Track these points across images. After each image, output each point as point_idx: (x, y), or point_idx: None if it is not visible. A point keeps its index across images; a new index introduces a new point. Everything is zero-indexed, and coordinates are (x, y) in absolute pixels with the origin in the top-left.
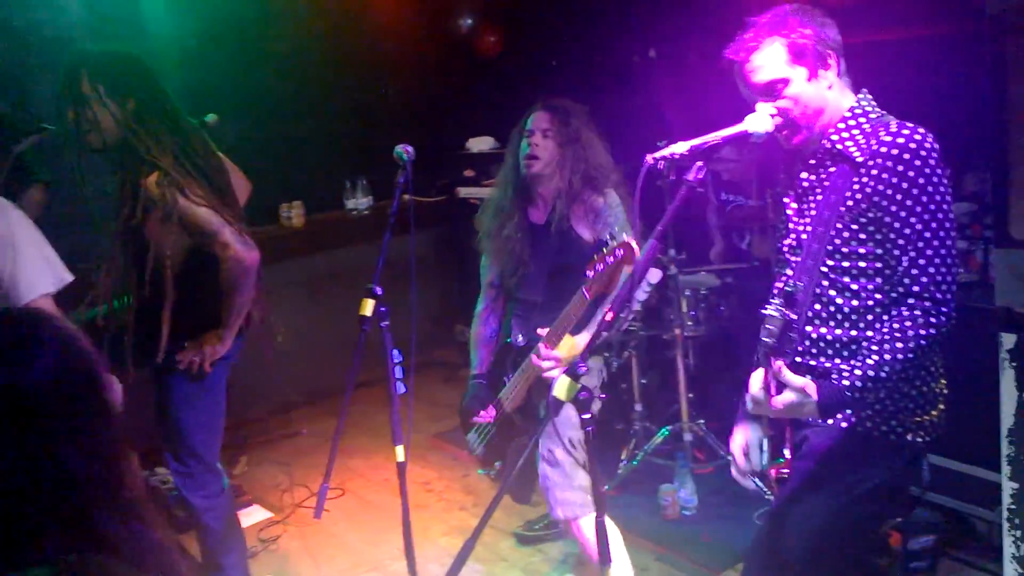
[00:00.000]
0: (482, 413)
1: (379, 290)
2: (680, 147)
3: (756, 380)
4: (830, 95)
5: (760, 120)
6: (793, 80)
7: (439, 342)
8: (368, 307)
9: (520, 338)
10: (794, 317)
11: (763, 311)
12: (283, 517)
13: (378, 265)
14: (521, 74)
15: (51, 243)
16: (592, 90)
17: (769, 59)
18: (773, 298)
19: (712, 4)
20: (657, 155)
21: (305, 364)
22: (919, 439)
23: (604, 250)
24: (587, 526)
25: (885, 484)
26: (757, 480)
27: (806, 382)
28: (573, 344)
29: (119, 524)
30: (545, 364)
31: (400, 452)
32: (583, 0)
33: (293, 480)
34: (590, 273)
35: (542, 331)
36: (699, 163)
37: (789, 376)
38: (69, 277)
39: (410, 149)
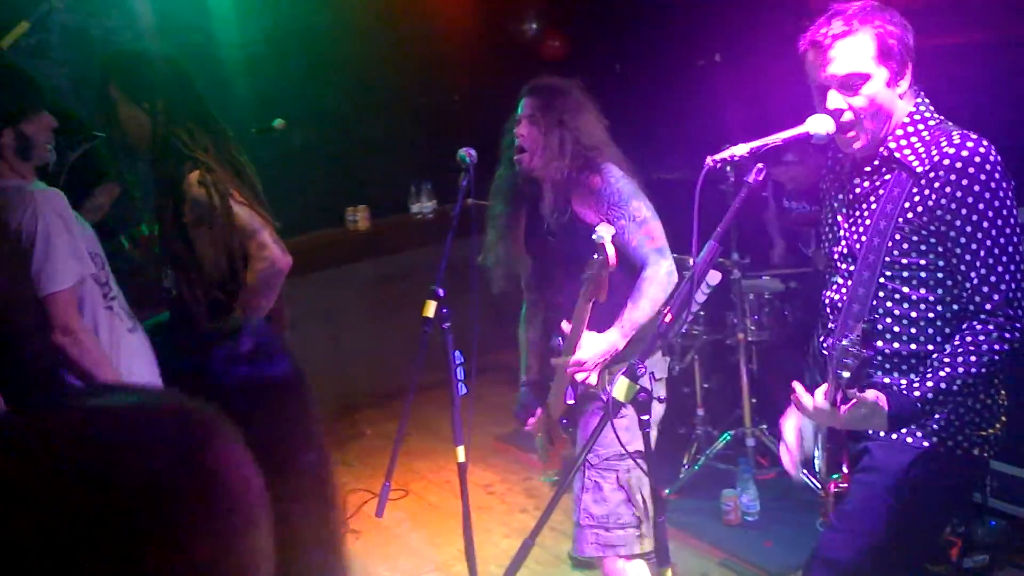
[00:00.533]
0: (530, 421)
1: (441, 292)
2: (740, 149)
3: (820, 392)
4: (899, 104)
5: (822, 122)
6: (874, 78)
7: (502, 344)
8: (430, 309)
9: (559, 341)
10: (871, 354)
11: (839, 340)
12: (346, 517)
13: (440, 267)
14: (585, 79)
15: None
16: (656, 94)
17: (855, 50)
18: (828, 312)
19: (777, 9)
20: (717, 157)
21: (370, 366)
22: (985, 453)
23: (594, 256)
24: (624, 567)
25: (950, 499)
26: (806, 473)
27: (877, 394)
28: (598, 341)
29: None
30: (575, 372)
31: (461, 453)
32: (648, 5)
33: (357, 480)
34: (583, 278)
35: (560, 340)
36: (759, 165)
37: (861, 395)
38: (90, 270)
39: (473, 152)
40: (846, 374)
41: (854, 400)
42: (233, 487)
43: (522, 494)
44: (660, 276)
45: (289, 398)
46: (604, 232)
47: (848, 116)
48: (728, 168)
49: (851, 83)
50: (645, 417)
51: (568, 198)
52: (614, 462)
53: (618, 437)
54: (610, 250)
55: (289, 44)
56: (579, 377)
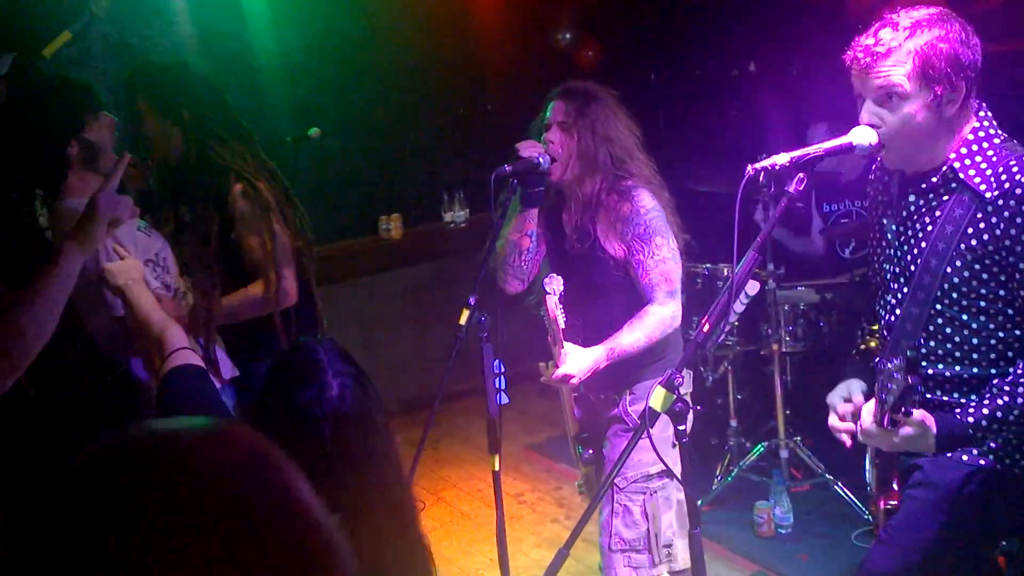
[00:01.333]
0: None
1: (472, 300)
2: (781, 158)
3: (868, 413)
4: (947, 123)
5: (865, 133)
6: (912, 99)
7: (535, 354)
8: (464, 317)
9: (540, 364)
10: (915, 381)
11: (885, 364)
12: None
13: (478, 275)
14: (619, 88)
15: None
16: (692, 103)
17: (897, 69)
18: (885, 334)
19: (811, 17)
20: (758, 165)
21: (402, 374)
22: None
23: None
24: None
25: (1004, 518)
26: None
27: (925, 415)
28: (583, 356)
29: None
30: (560, 383)
31: (495, 462)
32: (682, 14)
33: None
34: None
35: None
36: (800, 175)
37: (912, 416)
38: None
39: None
40: (890, 399)
41: (901, 424)
42: (307, 508)
43: (553, 504)
44: (664, 317)
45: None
46: (550, 284)
47: (882, 132)
48: (767, 177)
49: (887, 101)
50: (682, 428)
51: (594, 220)
52: (642, 484)
53: (656, 450)
54: (549, 303)
55: (325, 53)
56: (564, 386)
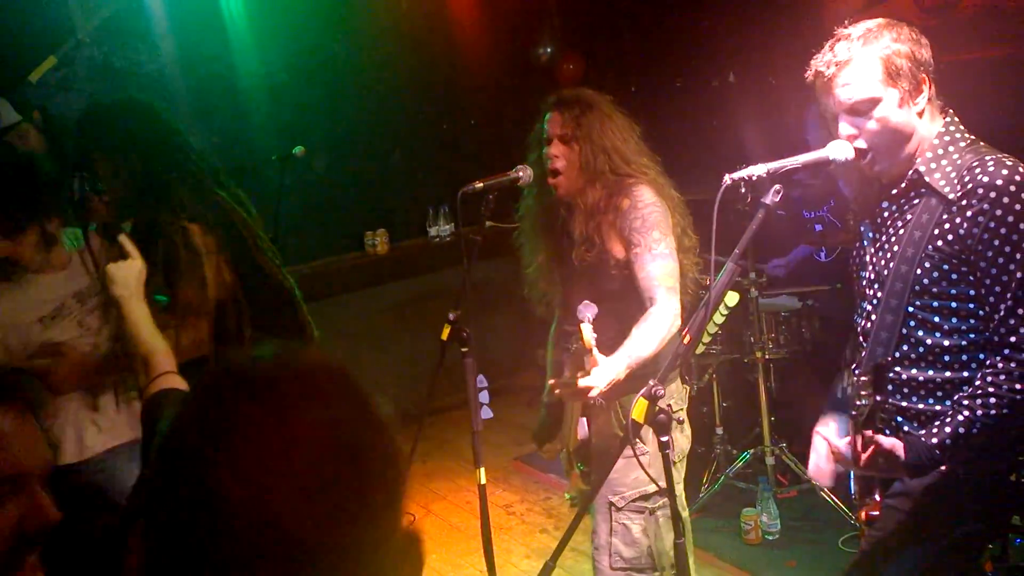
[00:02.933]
0: (547, 446)
1: (452, 316)
2: (758, 169)
3: (843, 439)
4: (919, 123)
5: (842, 147)
6: (884, 100)
7: (522, 366)
8: (446, 332)
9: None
10: (881, 399)
11: (856, 377)
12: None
13: (462, 292)
14: None
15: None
16: (670, 115)
17: (861, 75)
18: (861, 339)
19: (791, 29)
20: (735, 175)
21: (389, 388)
22: (1022, 479)
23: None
24: None
25: (983, 524)
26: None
27: (894, 443)
28: (603, 371)
29: None
30: (585, 396)
31: (481, 475)
32: (661, 26)
33: None
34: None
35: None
36: (777, 186)
37: (879, 439)
38: None
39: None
40: (860, 418)
41: (872, 447)
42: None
43: (542, 514)
44: (666, 317)
45: None
46: (584, 312)
47: (860, 143)
48: (744, 188)
49: (860, 109)
50: (665, 439)
51: (600, 226)
52: (640, 503)
53: (641, 465)
54: (584, 331)
55: (309, 72)
56: (592, 394)
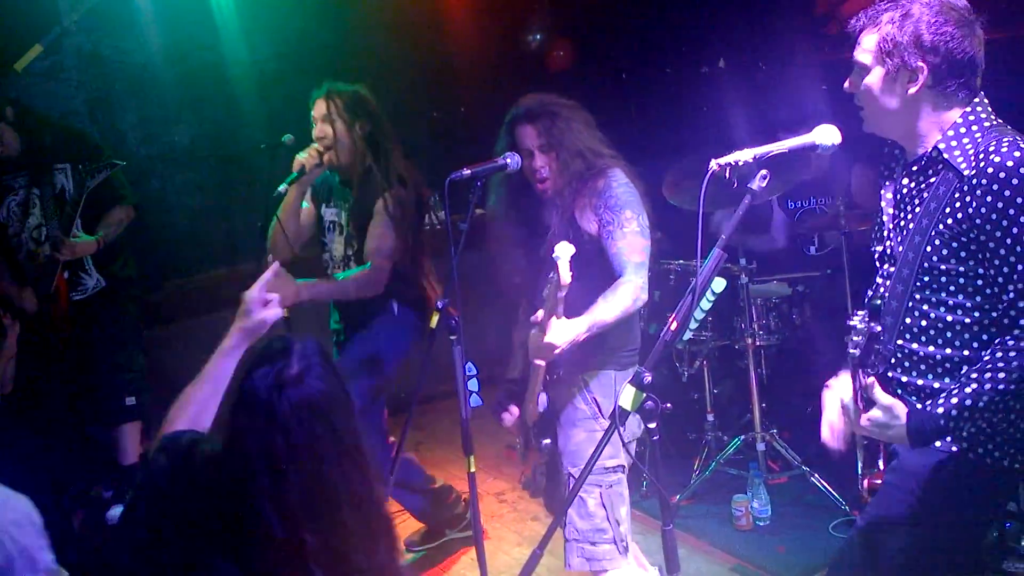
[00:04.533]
0: (504, 417)
1: (440, 304)
2: (744, 154)
3: (847, 388)
4: (913, 105)
5: (828, 133)
6: (871, 73)
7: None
8: (435, 320)
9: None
10: (878, 329)
11: (848, 321)
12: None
13: (450, 280)
14: (592, 87)
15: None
16: (661, 100)
17: (865, 42)
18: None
19: (781, 15)
20: (721, 161)
21: None
22: (1017, 464)
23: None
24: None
25: (977, 508)
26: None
27: (894, 402)
28: (565, 328)
29: None
30: (543, 354)
31: (471, 463)
32: (651, 12)
33: None
34: (542, 295)
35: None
36: (763, 172)
37: (878, 393)
38: None
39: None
40: (855, 351)
41: (873, 402)
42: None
43: (533, 502)
44: (632, 290)
45: (338, 416)
46: (562, 251)
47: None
48: (732, 174)
49: (857, 69)
50: (652, 425)
51: (573, 209)
52: (598, 477)
53: (625, 447)
54: (564, 271)
55: (297, 60)
56: (543, 356)
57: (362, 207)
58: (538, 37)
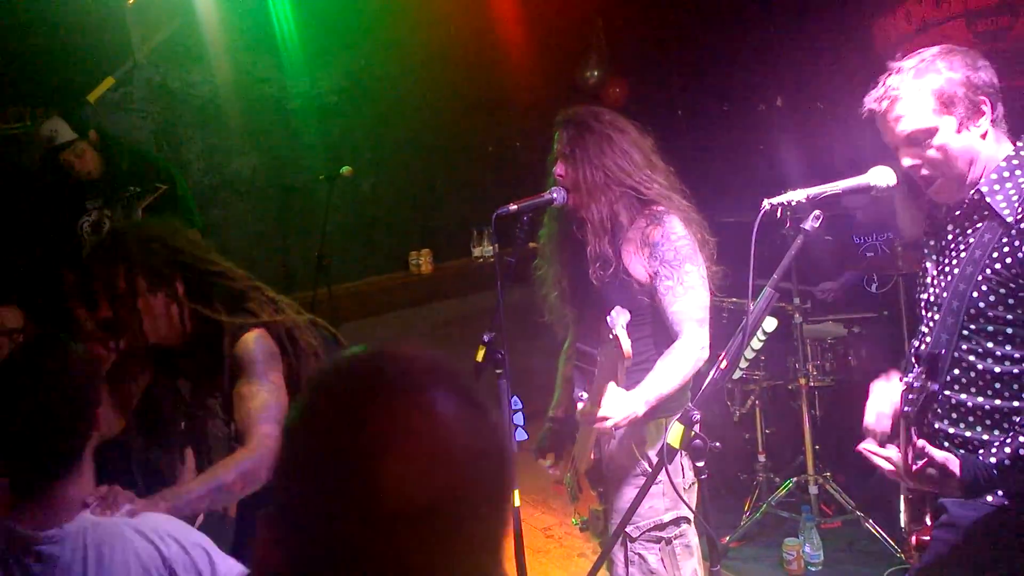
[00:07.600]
0: (548, 461)
1: (486, 337)
2: (798, 195)
3: (893, 448)
4: (982, 145)
5: (884, 174)
6: (941, 130)
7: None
8: (481, 354)
9: (582, 393)
10: (936, 388)
11: (904, 377)
12: None
13: (496, 314)
14: (647, 123)
15: None
16: (717, 138)
17: (914, 107)
18: (913, 361)
19: (840, 53)
20: (775, 200)
21: None
22: None
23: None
24: None
25: None
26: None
27: (947, 457)
28: (622, 403)
29: None
30: (600, 425)
31: (515, 497)
32: (709, 50)
33: None
34: (600, 356)
35: (583, 395)
36: (816, 212)
37: (931, 451)
38: None
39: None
40: (910, 410)
41: (924, 460)
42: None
43: (580, 538)
44: (694, 350)
45: None
46: (618, 319)
47: (925, 172)
48: (781, 213)
49: (918, 139)
50: (700, 464)
51: (617, 244)
52: (655, 532)
53: (677, 491)
54: (625, 343)
55: (357, 94)
56: (601, 427)
57: None
58: (595, 73)
